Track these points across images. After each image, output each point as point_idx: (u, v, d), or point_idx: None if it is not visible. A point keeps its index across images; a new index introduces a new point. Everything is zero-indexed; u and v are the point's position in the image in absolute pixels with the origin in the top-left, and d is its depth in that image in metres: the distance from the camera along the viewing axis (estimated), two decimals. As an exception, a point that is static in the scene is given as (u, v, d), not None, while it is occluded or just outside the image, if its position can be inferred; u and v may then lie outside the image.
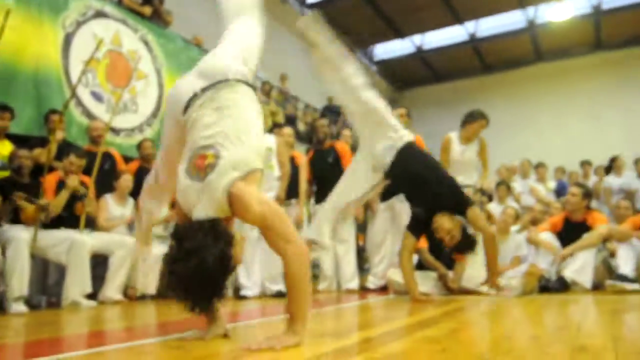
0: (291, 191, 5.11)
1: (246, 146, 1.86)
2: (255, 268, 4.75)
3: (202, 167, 1.82)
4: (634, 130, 12.80)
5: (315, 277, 5.42)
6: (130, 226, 4.82)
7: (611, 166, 7.89)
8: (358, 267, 5.56)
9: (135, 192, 5.07)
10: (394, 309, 3.39)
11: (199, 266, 1.66)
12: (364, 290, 5.23)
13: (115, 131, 5.84)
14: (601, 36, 13.80)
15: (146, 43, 6.48)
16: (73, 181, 4.18)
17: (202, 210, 1.79)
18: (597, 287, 4.53)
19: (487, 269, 3.76)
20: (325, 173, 5.26)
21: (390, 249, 5.14)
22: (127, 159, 5.53)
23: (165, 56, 6.73)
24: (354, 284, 5.24)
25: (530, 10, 13.38)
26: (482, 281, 3.92)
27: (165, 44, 6.78)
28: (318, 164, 5.44)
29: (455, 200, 3.50)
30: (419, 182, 3.54)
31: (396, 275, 4.61)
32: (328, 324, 2.56)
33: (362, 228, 5.98)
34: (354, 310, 3.48)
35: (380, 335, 2.08)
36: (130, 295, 4.45)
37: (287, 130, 5.57)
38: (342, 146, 5.50)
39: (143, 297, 4.53)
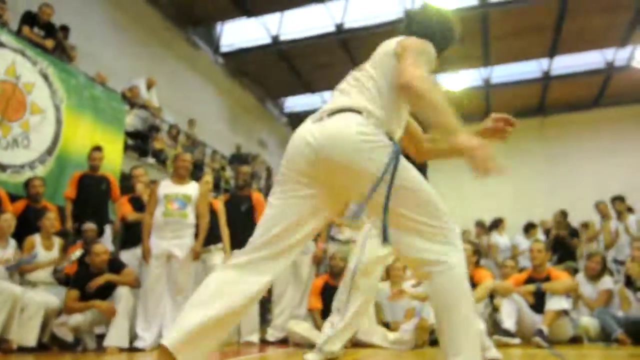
0: (209, 237, 4.97)
1: None
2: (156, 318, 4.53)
3: None
4: (522, 195, 14.06)
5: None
6: (10, 270, 4.41)
7: (497, 225, 8.59)
8: (261, 318, 5.45)
9: (19, 233, 4.70)
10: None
11: None
12: (263, 343, 5.12)
13: (1, 167, 5.43)
14: (490, 106, 15.20)
15: (46, 77, 6.17)
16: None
17: None
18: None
19: None
20: (237, 220, 5.17)
21: (291, 301, 5.12)
22: (14, 197, 5.12)
23: (66, 92, 6.43)
24: (254, 336, 5.11)
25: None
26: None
27: (67, 79, 6.50)
28: (232, 210, 5.34)
29: None
30: None
31: (297, 327, 4.58)
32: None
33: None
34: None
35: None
36: (5, 348, 4.00)
37: (208, 178, 5.46)
38: (257, 197, 5.46)
39: (20, 350, 4.11)
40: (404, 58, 1.70)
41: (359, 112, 1.68)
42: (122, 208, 5.41)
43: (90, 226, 5.13)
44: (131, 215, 5.24)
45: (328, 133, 1.65)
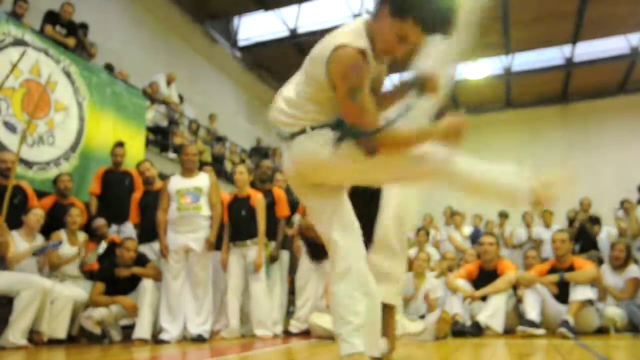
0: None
1: None
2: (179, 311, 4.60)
3: None
4: (541, 184, 13.85)
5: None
6: (36, 255, 4.51)
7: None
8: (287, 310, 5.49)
9: (47, 229, 4.81)
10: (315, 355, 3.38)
11: None
12: (286, 334, 5.16)
13: (28, 164, 5.54)
14: (511, 95, 14.99)
15: (68, 75, 6.27)
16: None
17: None
18: (508, 331, 4.76)
19: None
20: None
21: (314, 293, 5.14)
22: (40, 194, 5.22)
23: (88, 89, 6.52)
24: (278, 328, 5.16)
25: (449, 68, 14.34)
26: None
27: (89, 76, 6.59)
28: None
29: None
30: None
31: (318, 320, 4.61)
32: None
33: (293, 270, 5.93)
34: (274, 356, 3.42)
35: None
36: (37, 340, 4.12)
37: (241, 168, 5.39)
38: (278, 192, 5.46)
39: (51, 343, 4.22)
40: (339, 97, 1.81)
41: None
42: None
43: (101, 222, 5.21)
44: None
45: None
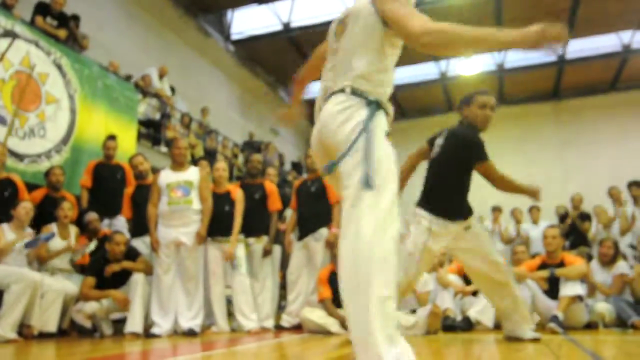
0: (224, 227, 4.97)
1: None
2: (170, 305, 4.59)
3: None
4: (536, 181, 13.91)
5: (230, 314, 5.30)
6: (29, 247, 4.48)
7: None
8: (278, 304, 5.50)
9: (39, 222, 4.78)
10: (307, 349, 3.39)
11: None
12: (278, 328, 5.18)
13: (19, 157, 5.50)
14: (504, 91, 15.04)
15: (59, 67, 6.21)
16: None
17: None
18: (499, 326, 4.79)
19: None
20: (249, 208, 5.17)
21: (306, 288, 5.15)
22: (31, 187, 5.19)
23: (79, 82, 6.47)
24: (269, 322, 5.17)
25: (443, 64, 14.35)
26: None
27: (81, 69, 6.54)
28: (245, 198, 5.23)
29: None
30: None
31: (310, 314, 4.62)
32: None
33: (284, 265, 5.94)
34: (266, 350, 3.43)
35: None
36: (27, 334, 4.10)
37: (221, 165, 5.39)
38: (270, 186, 5.46)
39: (41, 336, 4.20)
40: (389, 11, 1.70)
41: (341, 90, 1.80)
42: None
43: (93, 216, 5.18)
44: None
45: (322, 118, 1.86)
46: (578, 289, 4.63)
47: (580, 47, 13.02)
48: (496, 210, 9.03)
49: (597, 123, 14.55)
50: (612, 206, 7.49)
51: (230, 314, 5.22)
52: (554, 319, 4.36)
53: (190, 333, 4.48)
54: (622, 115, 14.33)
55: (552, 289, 4.73)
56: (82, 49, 7.16)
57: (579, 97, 14.81)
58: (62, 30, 6.68)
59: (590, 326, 4.83)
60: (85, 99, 6.52)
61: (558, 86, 14.71)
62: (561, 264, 4.82)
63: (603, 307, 4.85)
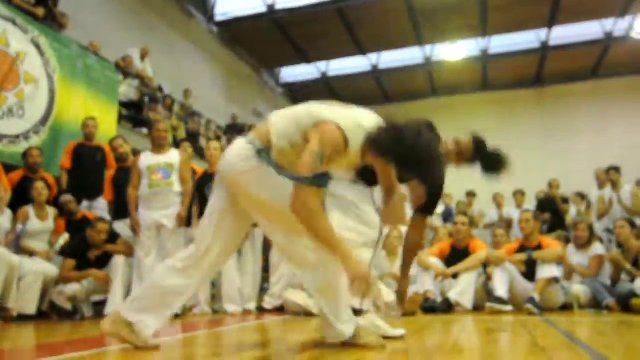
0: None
1: None
2: None
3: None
4: (517, 166, 14.04)
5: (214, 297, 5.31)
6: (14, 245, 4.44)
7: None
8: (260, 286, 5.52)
9: (16, 204, 4.71)
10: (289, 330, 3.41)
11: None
12: (260, 310, 5.20)
13: (-4, 137, 5.40)
14: (488, 77, 15.12)
15: (37, 46, 6.08)
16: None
17: None
18: (477, 308, 4.88)
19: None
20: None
21: (288, 270, 5.17)
22: (9, 168, 5.10)
23: (59, 61, 6.34)
24: (252, 304, 5.19)
25: (428, 48, 14.33)
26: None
27: (60, 48, 6.40)
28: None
29: None
30: None
31: (293, 296, 4.65)
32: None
33: (267, 249, 5.94)
34: (248, 331, 3.45)
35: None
36: (5, 316, 4.06)
37: (214, 144, 5.34)
38: None
39: (20, 318, 4.17)
40: (302, 157, 1.96)
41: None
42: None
43: (68, 198, 5.12)
44: None
45: None
46: (554, 271, 4.73)
47: (563, 34, 13.12)
48: (470, 195, 9.16)
49: (579, 109, 14.72)
50: (596, 189, 7.59)
51: (213, 296, 5.23)
52: (531, 300, 4.46)
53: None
54: (604, 102, 14.51)
55: (529, 271, 4.83)
56: (61, 28, 7.00)
57: (562, 83, 14.94)
58: (40, 8, 6.51)
59: (566, 307, 4.95)
60: (65, 79, 6.40)
61: (541, 72, 14.82)
62: (539, 247, 4.91)
63: (578, 289, 4.96)
